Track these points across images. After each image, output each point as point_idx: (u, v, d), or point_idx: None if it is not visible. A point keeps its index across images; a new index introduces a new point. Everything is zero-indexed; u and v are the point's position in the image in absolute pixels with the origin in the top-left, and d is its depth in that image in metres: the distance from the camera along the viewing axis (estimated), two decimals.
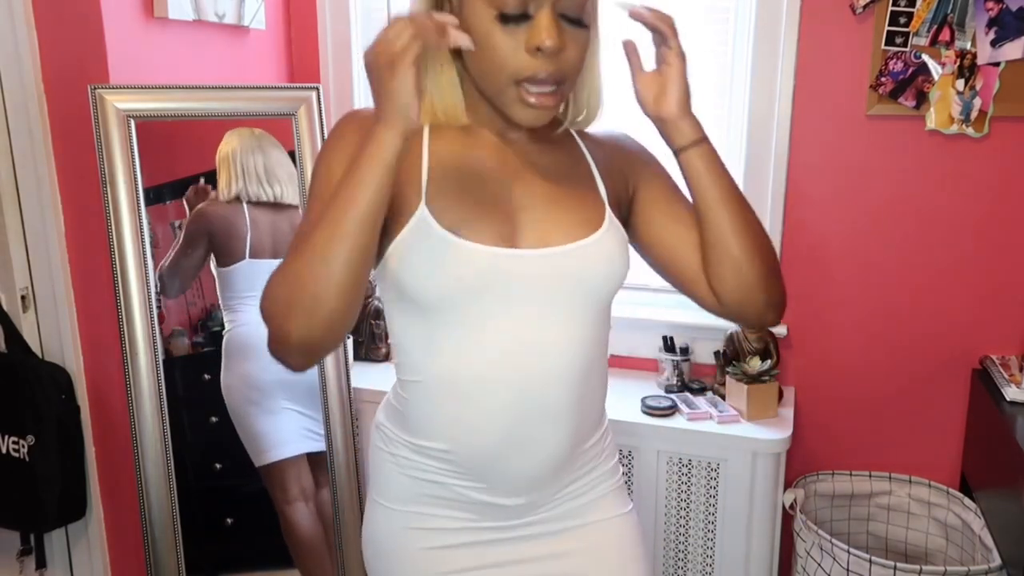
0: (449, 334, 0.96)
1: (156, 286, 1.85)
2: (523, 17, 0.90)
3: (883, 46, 1.86)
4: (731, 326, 2.03)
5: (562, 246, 0.98)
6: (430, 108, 0.98)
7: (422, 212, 0.93)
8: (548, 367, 0.98)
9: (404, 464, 1.05)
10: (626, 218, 1.08)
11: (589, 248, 0.99)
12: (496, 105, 0.97)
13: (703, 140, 0.99)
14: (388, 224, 0.93)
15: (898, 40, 1.84)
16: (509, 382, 0.97)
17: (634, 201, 1.08)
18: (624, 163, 1.09)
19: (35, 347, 1.92)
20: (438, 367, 0.98)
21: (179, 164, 1.95)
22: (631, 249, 1.06)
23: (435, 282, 0.93)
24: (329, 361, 1.95)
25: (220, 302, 1.98)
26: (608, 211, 1.03)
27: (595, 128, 1.11)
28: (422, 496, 1.05)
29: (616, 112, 1.10)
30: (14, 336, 1.87)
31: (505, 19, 0.90)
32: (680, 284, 1.08)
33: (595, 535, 1.08)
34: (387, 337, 2.28)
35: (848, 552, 1.74)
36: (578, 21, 0.92)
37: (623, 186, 1.08)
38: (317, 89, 1.95)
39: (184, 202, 1.95)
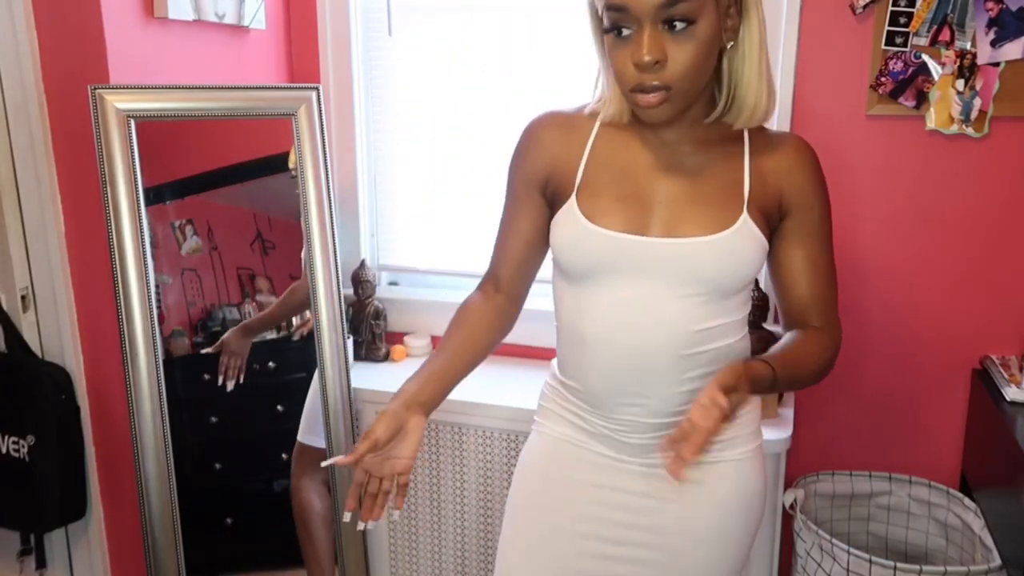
0: (580, 294, 1.17)
1: None
2: (630, 31, 1.02)
3: (883, 46, 1.85)
4: None
5: (684, 239, 1.11)
6: (606, 103, 1.16)
7: (571, 202, 1.16)
8: (655, 335, 1.13)
9: (553, 393, 1.28)
10: (774, 227, 1.18)
11: (708, 244, 1.11)
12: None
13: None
14: (554, 203, 1.20)
15: (898, 40, 1.84)
16: (618, 341, 1.14)
17: (780, 227, 1.18)
18: (787, 185, 1.16)
19: (35, 347, 1.92)
20: (570, 319, 1.20)
21: (179, 164, 1.95)
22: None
23: (573, 255, 1.16)
24: (329, 361, 1.95)
25: None
26: (744, 216, 1.13)
27: (784, 135, 1.20)
28: (568, 424, 1.25)
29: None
30: (14, 336, 1.87)
31: (616, 34, 1.04)
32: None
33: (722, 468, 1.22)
34: (387, 337, 2.29)
35: (848, 552, 1.74)
36: (685, 20, 1.01)
37: (774, 202, 1.16)
38: (317, 89, 1.95)
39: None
